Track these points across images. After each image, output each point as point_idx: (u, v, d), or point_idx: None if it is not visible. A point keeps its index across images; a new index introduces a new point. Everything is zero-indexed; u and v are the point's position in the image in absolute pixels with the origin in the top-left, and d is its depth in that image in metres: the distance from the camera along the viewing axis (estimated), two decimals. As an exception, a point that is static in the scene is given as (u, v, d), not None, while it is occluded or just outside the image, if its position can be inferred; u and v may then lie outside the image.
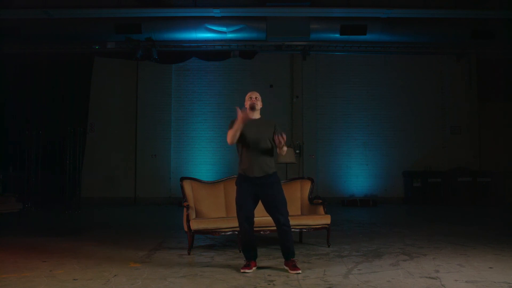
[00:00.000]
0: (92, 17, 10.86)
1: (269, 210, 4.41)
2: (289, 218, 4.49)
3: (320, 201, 5.95)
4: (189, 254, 5.30)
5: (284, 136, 4.30)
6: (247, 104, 4.57)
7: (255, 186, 4.39)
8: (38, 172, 10.77)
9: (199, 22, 10.94)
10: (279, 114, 12.08)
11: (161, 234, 6.82)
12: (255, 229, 5.49)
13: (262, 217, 5.00)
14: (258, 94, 4.61)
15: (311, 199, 6.07)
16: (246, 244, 4.50)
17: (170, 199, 12.03)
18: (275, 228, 5.49)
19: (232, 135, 4.35)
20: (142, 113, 12.44)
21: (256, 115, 4.58)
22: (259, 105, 4.56)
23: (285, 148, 4.40)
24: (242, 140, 4.44)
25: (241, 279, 4.13)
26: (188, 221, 5.31)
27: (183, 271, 4.48)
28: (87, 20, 10.94)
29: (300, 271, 4.31)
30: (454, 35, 11.39)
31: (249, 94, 4.61)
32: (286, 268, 4.41)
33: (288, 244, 4.38)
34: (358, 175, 12.50)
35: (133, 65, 12.33)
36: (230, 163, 12.08)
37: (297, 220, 5.58)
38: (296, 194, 6.14)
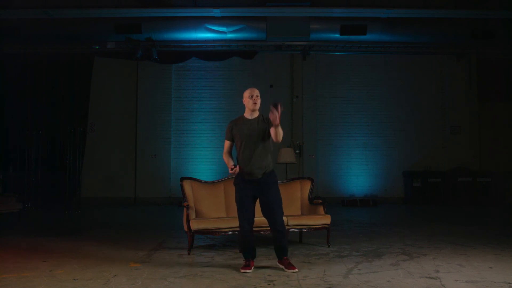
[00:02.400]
0: (92, 17, 10.86)
1: (265, 211, 4.40)
2: (286, 218, 4.51)
3: (320, 201, 5.95)
4: (189, 254, 5.30)
5: (279, 110, 4.00)
6: (246, 101, 4.39)
7: (253, 187, 4.37)
8: (38, 172, 10.78)
9: (199, 22, 10.94)
10: (279, 114, 12.07)
11: (161, 234, 6.82)
12: (255, 229, 5.50)
13: (262, 217, 4.99)
14: (258, 91, 4.44)
15: (311, 199, 6.06)
16: (246, 245, 4.48)
17: (170, 199, 12.02)
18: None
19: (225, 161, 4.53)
20: (142, 113, 12.44)
21: (255, 114, 4.47)
22: (258, 103, 4.42)
23: (280, 131, 4.16)
24: (238, 140, 4.41)
25: (241, 279, 4.13)
26: (188, 221, 5.31)
27: (183, 271, 4.48)
28: (87, 20, 10.95)
29: (296, 270, 4.33)
30: (454, 35, 11.39)
31: (249, 91, 4.43)
32: (281, 266, 4.43)
33: (283, 244, 4.39)
34: (358, 175, 12.50)
35: (133, 65, 12.33)
36: (230, 163, 12.07)
37: (297, 220, 5.57)
38: (296, 194, 6.14)
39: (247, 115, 4.48)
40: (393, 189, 12.42)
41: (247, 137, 4.35)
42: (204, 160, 12.39)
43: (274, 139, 4.29)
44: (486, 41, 11.32)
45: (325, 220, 5.68)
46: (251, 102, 4.39)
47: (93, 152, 12.10)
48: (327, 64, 12.69)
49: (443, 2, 10.95)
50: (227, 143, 4.55)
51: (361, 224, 8.15)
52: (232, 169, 4.33)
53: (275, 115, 4.02)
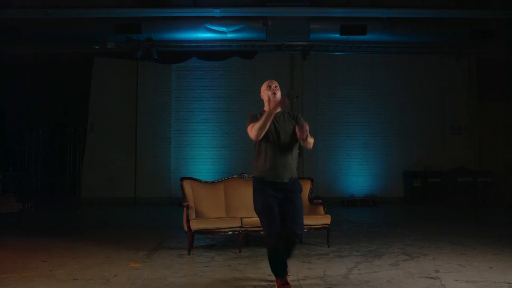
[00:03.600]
0: (92, 17, 10.85)
1: (287, 220, 3.67)
2: None
3: (320, 201, 5.95)
4: (189, 254, 5.30)
5: (307, 127, 3.60)
6: (265, 93, 3.89)
7: (277, 192, 3.72)
8: (38, 172, 10.78)
9: (199, 22, 10.93)
10: (279, 114, 12.07)
11: (161, 234, 6.82)
12: (254, 229, 5.51)
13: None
14: (277, 82, 3.97)
15: (311, 199, 6.06)
16: (278, 261, 3.69)
17: (170, 199, 12.02)
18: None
19: (261, 126, 3.61)
20: (142, 113, 12.43)
21: (277, 108, 3.84)
22: (278, 95, 3.86)
23: (310, 140, 3.70)
24: (263, 138, 3.74)
25: (241, 279, 4.13)
26: (188, 221, 5.32)
27: (183, 271, 4.48)
28: (87, 20, 10.94)
29: None
30: (454, 35, 11.39)
31: (267, 82, 3.95)
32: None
33: (290, 255, 3.79)
34: (358, 175, 12.49)
35: (133, 65, 12.33)
36: (230, 163, 12.09)
37: (297, 220, 5.57)
38: (296, 194, 6.13)
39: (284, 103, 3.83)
40: (393, 189, 12.41)
41: (275, 135, 3.75)
42: (204, 160, 12.39)
43: (302, 144, 3.78)
44: (486, 41, 11.33)
45: (325, 220, 5.69)
46: (269, 93, 3.89)
47: (93, 152, 12.09)
48: (327, 64, 12.69)
49: (443, 2, 10.96)
50: (251, 125, 3.77)
51: (361, 224, 8.14)
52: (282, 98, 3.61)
53: (304, 131, 3.58)
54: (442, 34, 11.33)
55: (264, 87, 3.95)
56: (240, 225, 5.40)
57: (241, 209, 5.87)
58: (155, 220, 9.19)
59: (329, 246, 5.69)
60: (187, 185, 5.75)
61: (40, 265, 4.70)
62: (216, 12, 10.44)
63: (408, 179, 12.07)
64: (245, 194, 5.97)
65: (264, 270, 4.47)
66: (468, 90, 12.68)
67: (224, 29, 11.03)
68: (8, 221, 7.93)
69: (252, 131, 3.69)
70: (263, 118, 3.60)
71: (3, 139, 11.60)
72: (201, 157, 12.42)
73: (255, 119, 3.75)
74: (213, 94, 12.60)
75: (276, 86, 3.92)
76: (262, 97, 3.96)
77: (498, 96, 12.68)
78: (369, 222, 8.39)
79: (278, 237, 3.61)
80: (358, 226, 7.81)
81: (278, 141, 3.75)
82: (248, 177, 6.13)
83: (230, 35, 11.27)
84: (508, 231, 7.14)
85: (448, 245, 5.78)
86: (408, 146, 12.58)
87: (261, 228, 5.32)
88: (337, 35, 11.16)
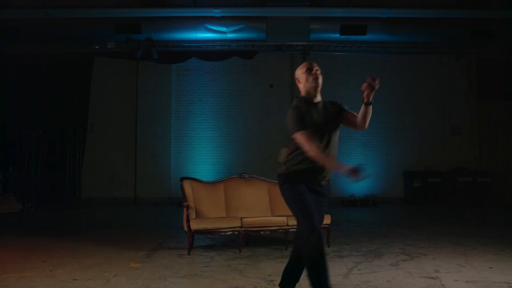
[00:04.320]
0: (92, 17, 10.85)
1: None
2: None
3: (320, 201, 5.94)
4: (189, 254, 5.30)
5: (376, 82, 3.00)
6: (304, 77, 3.20)
7: (312, 193, 3.17)
8: (38, 172, 10.79)
9: (199, 22, 10.93)
10: (279, 114, 12.07)
11: (161, 234, 6.82)
12: (254, 229, 5.51)
13: (262, 217, 5.01)
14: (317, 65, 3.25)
15: (311, 199, 6.05)
16: (323, 253, 2.95)
17: (170, 199, 12.02)
18: (275, 228, 5.50)
19: (314, 157, 3.05)
20: (142, 113, 12.43)
21: (319, 96, 3.25)
22: (321, 80, 3.22)
23: (371, 110, 3.15)
24: (312, 128, 3.10)
25: (241, 279, 4.13)
26: (188, 221, 5.32)
27: (183, 271, 4.48)
28: (87, 20, 10.93)
29: None
30: (454, 35, 11.38)
31: (306, 64, 3.26)
32: None
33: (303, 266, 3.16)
34: (358, 175, 12.47)
35: (133, 65, 12.32)
36: (230, 163, 12.08)
37: (297, 220, 5.57)
38: (296, 194, 6.13)
39: (310, 96, 3.23)
40: (393, 189, 12.41)
41: (320, 127, 3.12)
42: (204, 160, 12.39)
43: (360, 123, 3.21)
44: (486, 41, 11.32)
45: (325, 220, 5.67)
46: (311, 78, 3.19)
47: (93, 152, 12.07)
48: (327, 64, 12.62)
49: (443, 2, 10.95)
50: (304, 134, 3.04)
51: (361, 224, 8.15)
52: (351, 170, 2.90)
53: (372, 85, 2.99)
54: (442, 34, 11.32)
55: (302, 70, 3.23)
56: (240, 225, 5.40)
57: (241, 209, 5.87)
58: (155, 220, 9.19)
59: (329, 246, 5.69)
60: (187, 185, 5.75)
61: (40, 265, 4.70)
62: (216, 12, 10.44)
63: (408, 179, 12.07)
64: (245, 194, 5.98)
65: (264, 270, 4.47)
66: (468, 90, 12.68)
67: (224, 29, 11.02)
68: (8, 221, 7.93)
69: (308, 148, 3.01)
70: (321, 158, 3.03)
71: (3, 139, 11.58)
72: (201, 157, 12.42)
73: (298, 117, 3.08)
74: (213, 94, 12.59)
75: (317, 70, 3.22)
76: (297, 83, 3.29)
77: (498, 96, 12.67)
78: (369, 222, 8.39)
79: (319, 222, 2.96)
80: (358, 226, 7.81)
81: (326, 137, 3.15)
82: (248, 177, 6.14)
83: (230, 35, 11.26)
84: (508, 231, 7.14)
85: (448, 245, 5.79)
86: (408, 146, 12.58)
87: (262, 228, 5.38)
88: (337, 35, 11.16)
